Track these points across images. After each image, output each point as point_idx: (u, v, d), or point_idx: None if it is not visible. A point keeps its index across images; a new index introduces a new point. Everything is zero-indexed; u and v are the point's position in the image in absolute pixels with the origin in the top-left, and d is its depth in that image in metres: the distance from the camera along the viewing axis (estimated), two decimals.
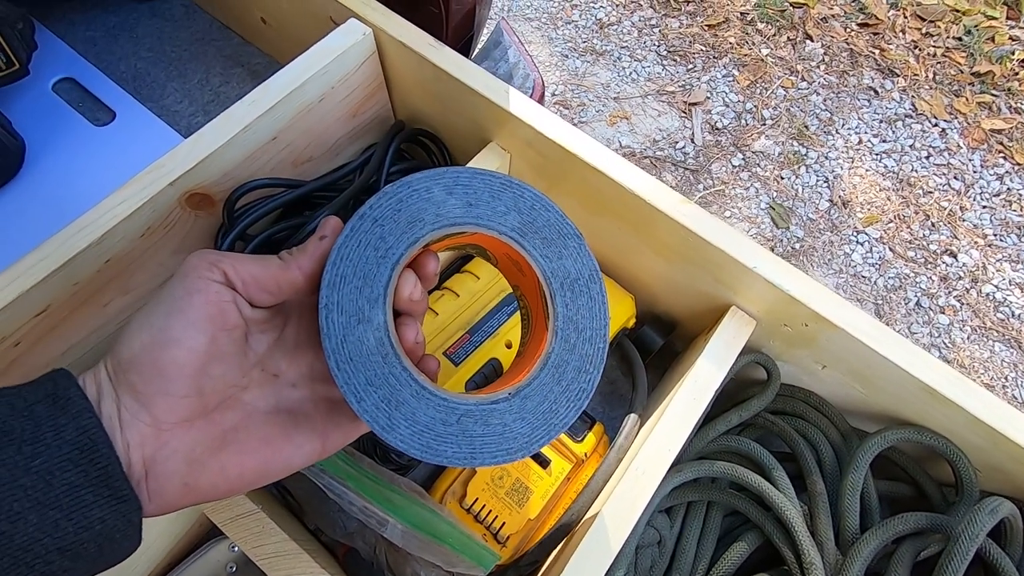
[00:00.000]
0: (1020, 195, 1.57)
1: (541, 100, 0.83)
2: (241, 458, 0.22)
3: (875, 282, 1.49)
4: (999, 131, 1.67)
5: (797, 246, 1.54)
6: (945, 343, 1.41)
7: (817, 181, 1.63)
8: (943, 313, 1.44)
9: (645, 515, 0.36)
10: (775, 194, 1.61)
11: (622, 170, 0.39)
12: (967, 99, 1.73)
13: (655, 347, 0.45)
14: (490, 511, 0.38)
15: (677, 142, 1.69)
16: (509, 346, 0.42)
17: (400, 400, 0.22)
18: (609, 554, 0.32)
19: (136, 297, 0.40)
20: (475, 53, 0.91)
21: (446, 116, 0.48)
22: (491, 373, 0.41)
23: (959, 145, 1.66)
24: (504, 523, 0.38)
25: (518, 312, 0.43)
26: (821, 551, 0.34)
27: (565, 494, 0.40)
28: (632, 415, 0.40)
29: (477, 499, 0.38)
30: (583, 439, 0.41)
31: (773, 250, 1.54)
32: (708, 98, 1.76)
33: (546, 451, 0.40)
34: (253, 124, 0.39)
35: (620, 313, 0.44)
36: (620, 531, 0.33)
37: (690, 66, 1.82)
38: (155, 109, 0.56)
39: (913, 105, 1.73)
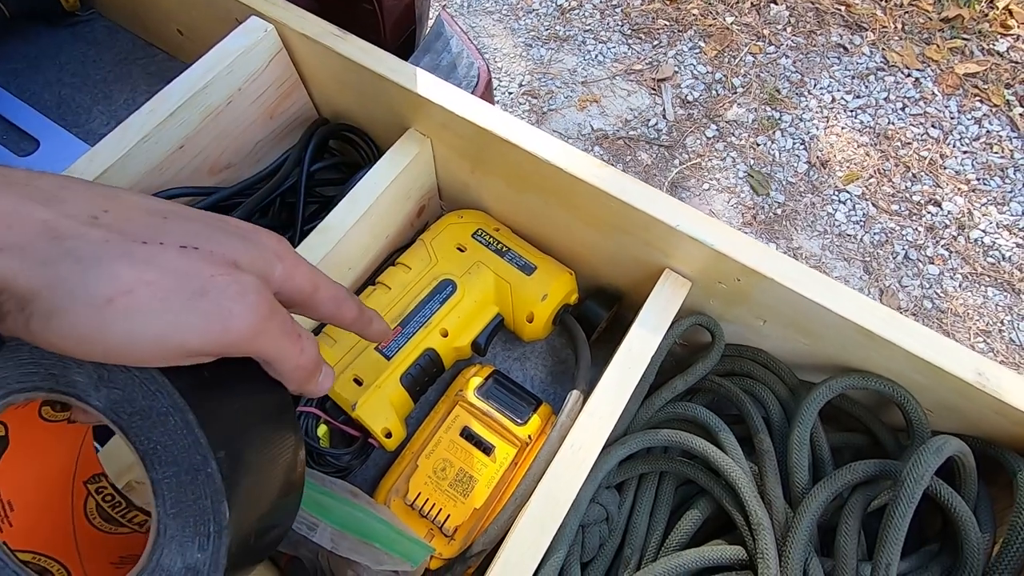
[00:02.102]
0: (1000, 137, 1.54)
1: (488, 87, 0.82)
2: None
3: (861, 239, 1.47)
4: (973, 75, 1.65)
5: (779, 211, 1.52)
6: (937, 293, 1.39)
7: (794, 144, 1.61)
8: (932, 263, 1.41)
9: (587, 492, 0.35)
10: (752, 161, 1.59)
11: (536, 141, 0.38)
12: (938, 46, 1.70)
13: (599, 320, 0.44)
14: (433, 504, 0.37)
15: (649, 120, 1.67)
16: (445, 334, 0.41)
17: None
18: (546, 536, 0.31)
19: None
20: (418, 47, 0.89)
21: (365, 107, 0.47)
22: (427, 364, 0.40)
23: (934, 93, 1.63)
24: (449, 516, 0.36)
25: (453, 297, 0.42)
26: (770, 510, 0.33)
27: (513, 480, 0.39)
28: (574, 391, 0.39)
29: (420, 494, 0.37)
30: (527, 421, 0.39)
31: (755, 218, 1.53)
32: (676, 72, 1.74)
33: (489, 436, 0.39)
34: (153, 134, 0.38)
35: (559, 289, 0.43)
36: (558, 511, 0.31)
37: (655, 42, 1.80)
38: (81, 134, 0.55)
39: (884, 58, 1.71)
